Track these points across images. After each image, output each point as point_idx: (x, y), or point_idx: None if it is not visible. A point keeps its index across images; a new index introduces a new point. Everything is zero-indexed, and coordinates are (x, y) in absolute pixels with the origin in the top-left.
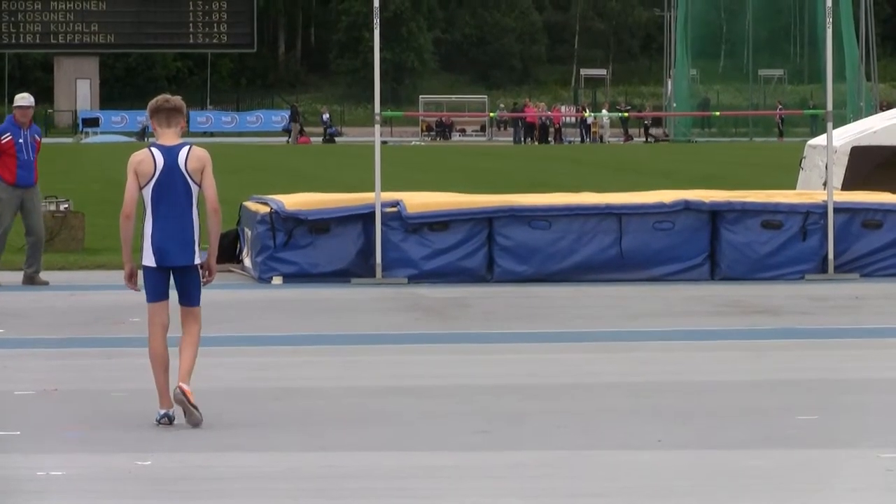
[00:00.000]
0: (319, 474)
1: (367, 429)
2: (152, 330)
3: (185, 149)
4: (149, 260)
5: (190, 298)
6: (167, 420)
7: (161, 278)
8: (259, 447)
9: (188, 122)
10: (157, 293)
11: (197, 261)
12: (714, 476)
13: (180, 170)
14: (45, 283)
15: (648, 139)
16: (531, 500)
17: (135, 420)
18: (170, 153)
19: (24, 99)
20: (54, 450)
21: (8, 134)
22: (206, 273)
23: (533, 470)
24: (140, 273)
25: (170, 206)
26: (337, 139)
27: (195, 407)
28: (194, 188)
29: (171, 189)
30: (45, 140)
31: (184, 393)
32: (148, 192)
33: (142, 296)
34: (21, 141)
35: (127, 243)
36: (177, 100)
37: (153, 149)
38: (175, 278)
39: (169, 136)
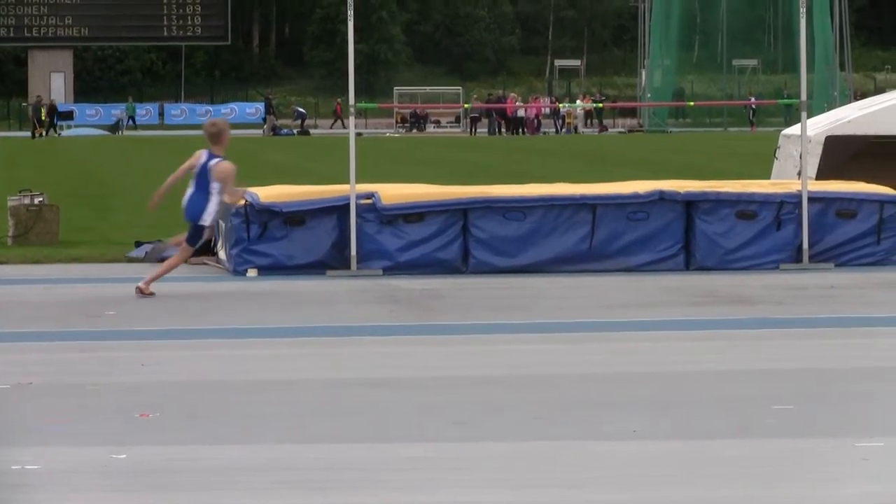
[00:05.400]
0: (297, 466)
1: (344, 421)
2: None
3: (216, 160)
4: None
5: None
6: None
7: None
8: (236, 439)
9: (163, 114)
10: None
11: (202, 223)
12: (691, 466)
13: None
14: None
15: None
16: (509, 491)
17: (110, 413)
18: (210, 157)
19: None
20: (30, 443)
21: None
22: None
23: (510, 461)
24: None
25: (196, 187)
26: (311, 131)
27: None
28: (213, 185)
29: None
30: (18, 134)
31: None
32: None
33: (116, 289)
34: None
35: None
36: (211, 126)
37: (205, 151)
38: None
39: (214, 148)
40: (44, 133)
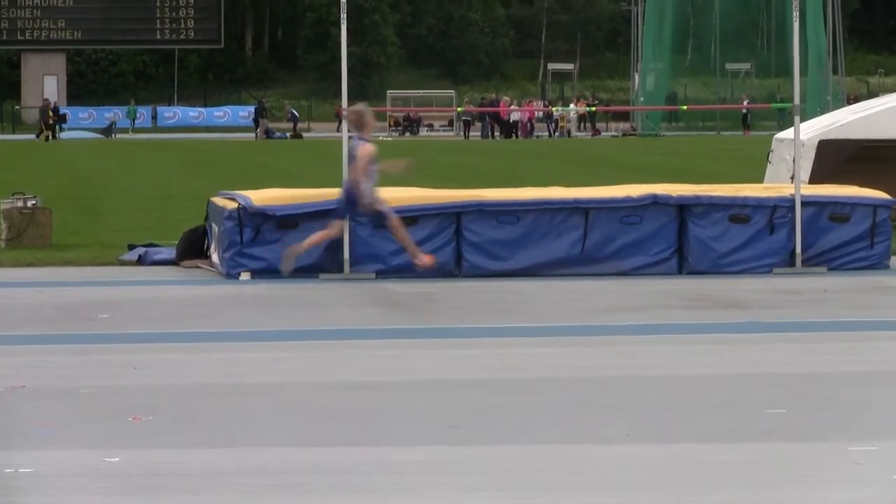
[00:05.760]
0: (289, 469)
1: (337, 424)
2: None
3: (360, 143)
4: None
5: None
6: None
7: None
8: (228, 443)
9: (156, 117)
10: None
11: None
12: (683, 470)
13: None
14: None
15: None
16: (502, 495)
17: (103, 416)
18: (357, 141)
19: None
20: (22, 446)
21: None
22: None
23: (503, 464)
24: None
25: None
26: (304, 134)
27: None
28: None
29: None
30: (12, 137)
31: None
32: None
33: (109, 292)
34: None
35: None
36: (351, 114)
37: (354, 136)
38: None
39: (360, 133)
40: (50, 136)
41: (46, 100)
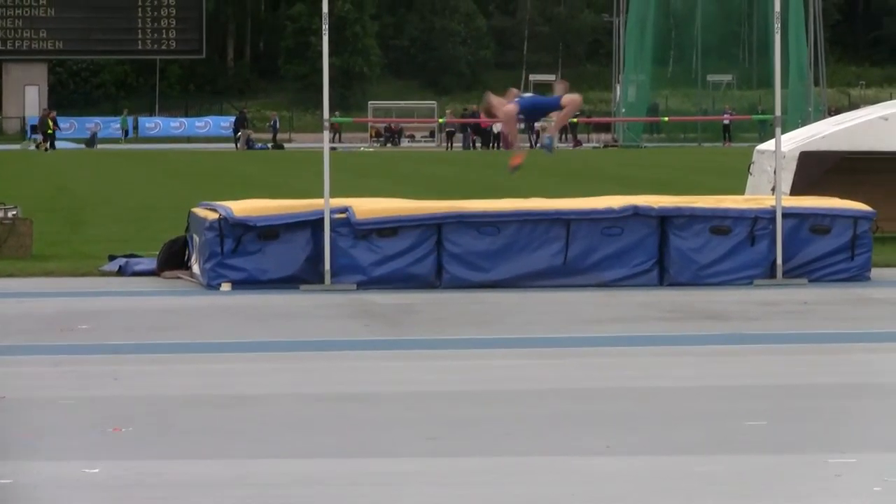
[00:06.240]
0: (269, 481)
1: (317, 436)
2: None
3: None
4: None
5: None
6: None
7: None
8: (208, 454)
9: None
10: None
11: None
12: (663, 482)
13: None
14: None
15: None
16: None
17: (83, 427)
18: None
19: None
20: (3, 457)
21: None
22: None
23: (483, 476)
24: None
25: None
26: (286, 145)
27: None
28: None
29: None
30: None
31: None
32: None
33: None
34: None
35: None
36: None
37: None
38: None
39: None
40: (48, 146)
41: (46, 110)
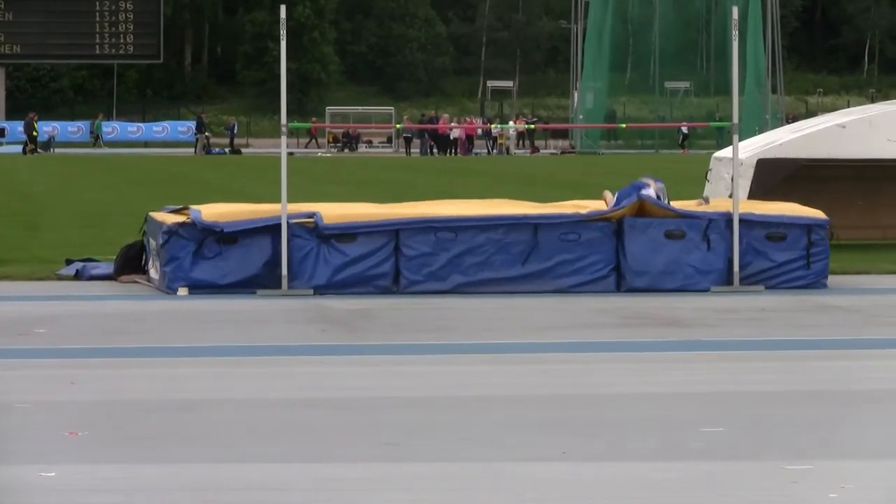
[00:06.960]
0: (226, 486)
1: (275, 441)
2: None
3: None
4: None
5: None
6: None
7: None
8: (165, 459)
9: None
10: None
11: None
12: (619, 488)
13: None
14: None
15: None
16: None
17: (39, 432)
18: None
19: None
20: None
21: None
22: None
23: (441, 482)
24: None
25: None
26: (243, 150)
27: None
28: None
29: None
30: None
31: None
32: None
33: (46, 307)
34: None
35: None
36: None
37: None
38: None
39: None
40: (36, 149)
41: (32, 114)
